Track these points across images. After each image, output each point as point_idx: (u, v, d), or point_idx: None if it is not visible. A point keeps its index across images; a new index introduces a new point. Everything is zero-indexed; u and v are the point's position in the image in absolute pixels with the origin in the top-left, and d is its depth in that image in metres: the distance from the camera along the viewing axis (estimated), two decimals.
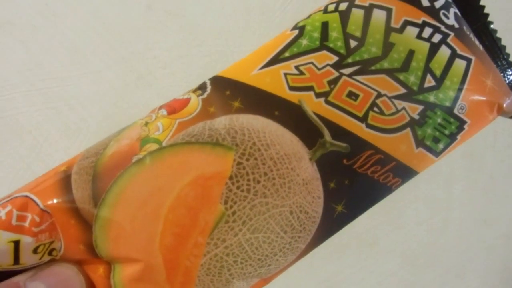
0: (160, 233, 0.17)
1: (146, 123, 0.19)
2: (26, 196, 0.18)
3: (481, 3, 0.23)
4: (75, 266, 0.18)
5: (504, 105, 0.22)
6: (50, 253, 0.18)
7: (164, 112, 0.19)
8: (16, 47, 0.29)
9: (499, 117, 0.41)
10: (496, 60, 0.22)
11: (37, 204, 0.18)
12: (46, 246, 0.18)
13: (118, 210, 0.17)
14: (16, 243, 0.17)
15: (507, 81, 0.22)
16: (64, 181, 0.18)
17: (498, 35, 0.22)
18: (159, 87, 0.29)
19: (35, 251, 0.18)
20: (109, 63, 0.30)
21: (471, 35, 0.21)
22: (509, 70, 0.22)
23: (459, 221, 0.41)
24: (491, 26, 0.22)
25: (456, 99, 0.20)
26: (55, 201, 0.18)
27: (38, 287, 0.17)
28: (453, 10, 0.21)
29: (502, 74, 0.22)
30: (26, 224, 0.17)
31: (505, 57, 0.22)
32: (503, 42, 0.22)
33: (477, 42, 0.21)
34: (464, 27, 0.21)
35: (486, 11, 0.22)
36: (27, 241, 0.17)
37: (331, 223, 0.20)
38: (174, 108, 0.19)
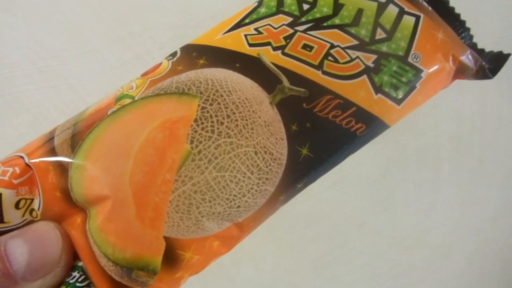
0: (130, 171, 0.18)
1: (122, 87, 0.21)
2: (18, 155, 0.20)
3: None
4: (52, 223, 0.19)
5: (460, 58, 0.23)
6: (30, 213, 0.20)
7: (138, 75, 0.21)
8: (17, 25, 0.31)
9: (488, 100, 0.42)
10: (446, 19, 0.23)
11: (22, 159, 0.19)
12: (27, 203, 0.19)
13: (92, 153, 0.19)
14: None
15: (460, 37, 0.23)
16: (51, 140, 0.20)
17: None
18: None
19: (17, 206, 0.19)
20: (107, 42, 0.32)
21: None
22: (461, 29, 0.24)
23: (447, 203, 0.40)
24: None
25: (408, 48, 0.22)
26: (39, 154, 0.19)
27: (17, 242, 0.18)
28: None
29: (453, 30, 0.23)
30: (6, 177, 0.19)
31: (456, 17, 0.24)
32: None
33: (425, 4, 0.23)
34: None
35: None
36: (8, 193, 0.19)
37: (297, 167, 0.20)
38: (147, 71, 0.21)
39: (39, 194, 0.19)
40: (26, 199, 0.19)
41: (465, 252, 0.42)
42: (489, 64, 0.24)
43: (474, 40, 0.24)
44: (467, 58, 0.23)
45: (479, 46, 0.24)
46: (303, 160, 0.20)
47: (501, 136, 0.43)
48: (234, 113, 0.20)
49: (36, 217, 0.19)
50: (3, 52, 0.31)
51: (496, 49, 0.25)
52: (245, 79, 0.20)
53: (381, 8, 0.22)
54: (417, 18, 0.22)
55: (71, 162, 0.19)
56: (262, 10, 0.22)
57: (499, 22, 0.41)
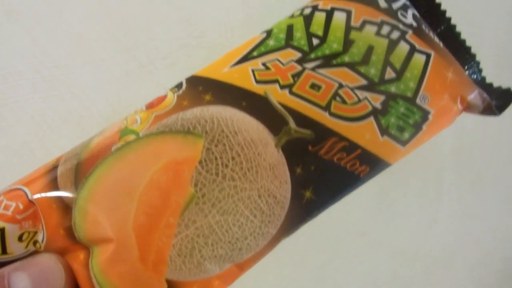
0: (134, 213, 0.18)
1: (126, 118, 0.21)
2: (19, 188, 0.20)
3: (443, 8, 0.24)
4: (55, 256, 0.19)
5: (468, 98, 0.23)
6: (34, 244, 0.20)
7: (143, 107, 0.21)
8: (22, 34, 0.31)
9: (488, 114, 0.42)
10: (457, 55, 0.23)
11: (25, 194, 0.19)
12: (30, 235, 0.19)
13: (96, 193, 0.19)
14: (2, 231, 0.19)
15: (469, 75, 0.23)
16: (52, 171, 0.20)
17: (463, 37, 0.24)
18: (159, 77, 0.30)
19: (20, 238, 0.19)
20: (111, 52, 0.32)
21: (431, 33, 0.23)
22: (471, 63, 0.23)
23: (447, 215, 0.41)
24: (455, 29, 0.24)
25: (417, 89, 0.22)
26: (41, 188, 0.19)
27: (21, 276, 0.18)
28: (411, 11, 0.23)
29: (464, 68, 0.23)
30: (9, 212, 0.19)
31: (466, 50, 0.23)
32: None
33: (437, 40, 0.23)
34: (423, 26, 0.23)
35: (449, 15, 0.24)
36: (11, 228, 0.19)
37: (300, 210, 0.20)
38: (152, 103, 0.21)
39: (43, 229, 0.19)
40: (29, 232, 0.19)
41: (466, 264, 0.43)
42: (496, 101, 0.23)
43: (476, 51, 0.24)
44: (475, 97, 0.23)
45: (481, 56, 0.24)
46: (306, 202, 0.20)
47: (502, 148, 0.43)
48: (239, 155, 0.19)
49: (40, 248, 0.19)
50: (8, 60, 0.31)
51: (498, 61, 0.24)
52: (251, 119, 0.20)
53: (392, 45, 0.22)
54: (428, 56, 0.22)
55: (75, 202, 0.19)
56: (271, 42, 0.22)
57: (501, 28, 0.40)
